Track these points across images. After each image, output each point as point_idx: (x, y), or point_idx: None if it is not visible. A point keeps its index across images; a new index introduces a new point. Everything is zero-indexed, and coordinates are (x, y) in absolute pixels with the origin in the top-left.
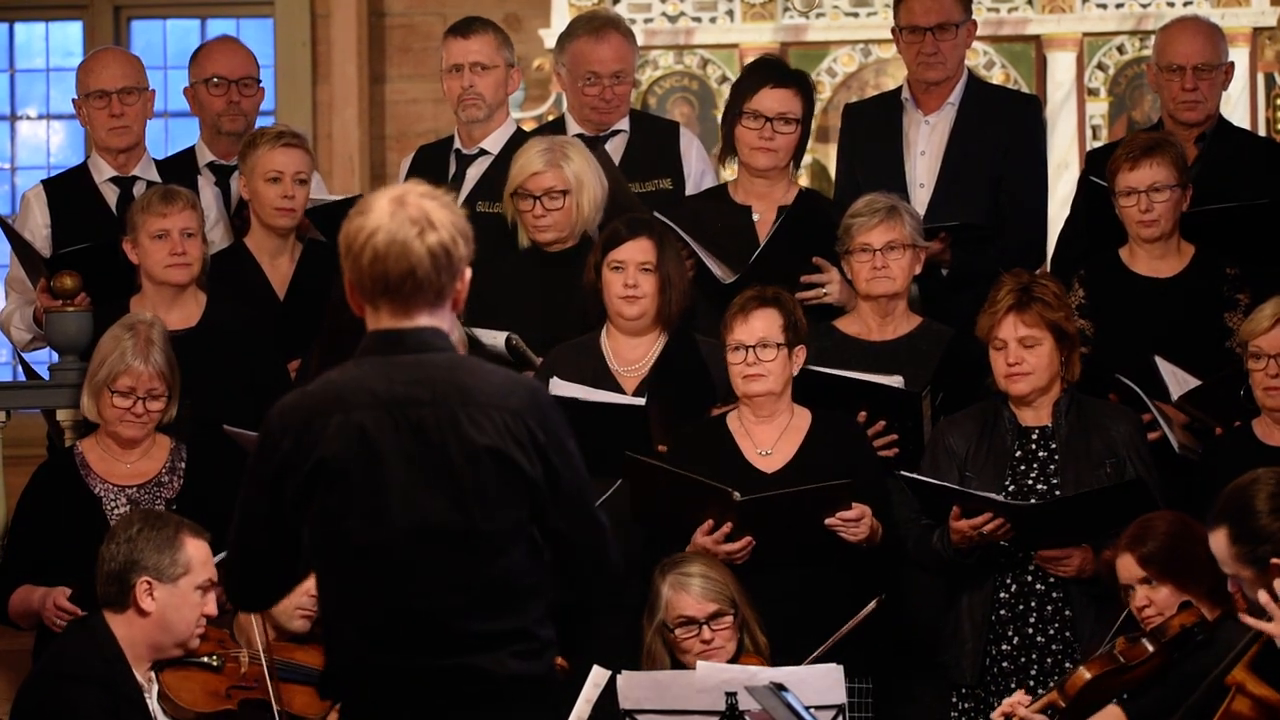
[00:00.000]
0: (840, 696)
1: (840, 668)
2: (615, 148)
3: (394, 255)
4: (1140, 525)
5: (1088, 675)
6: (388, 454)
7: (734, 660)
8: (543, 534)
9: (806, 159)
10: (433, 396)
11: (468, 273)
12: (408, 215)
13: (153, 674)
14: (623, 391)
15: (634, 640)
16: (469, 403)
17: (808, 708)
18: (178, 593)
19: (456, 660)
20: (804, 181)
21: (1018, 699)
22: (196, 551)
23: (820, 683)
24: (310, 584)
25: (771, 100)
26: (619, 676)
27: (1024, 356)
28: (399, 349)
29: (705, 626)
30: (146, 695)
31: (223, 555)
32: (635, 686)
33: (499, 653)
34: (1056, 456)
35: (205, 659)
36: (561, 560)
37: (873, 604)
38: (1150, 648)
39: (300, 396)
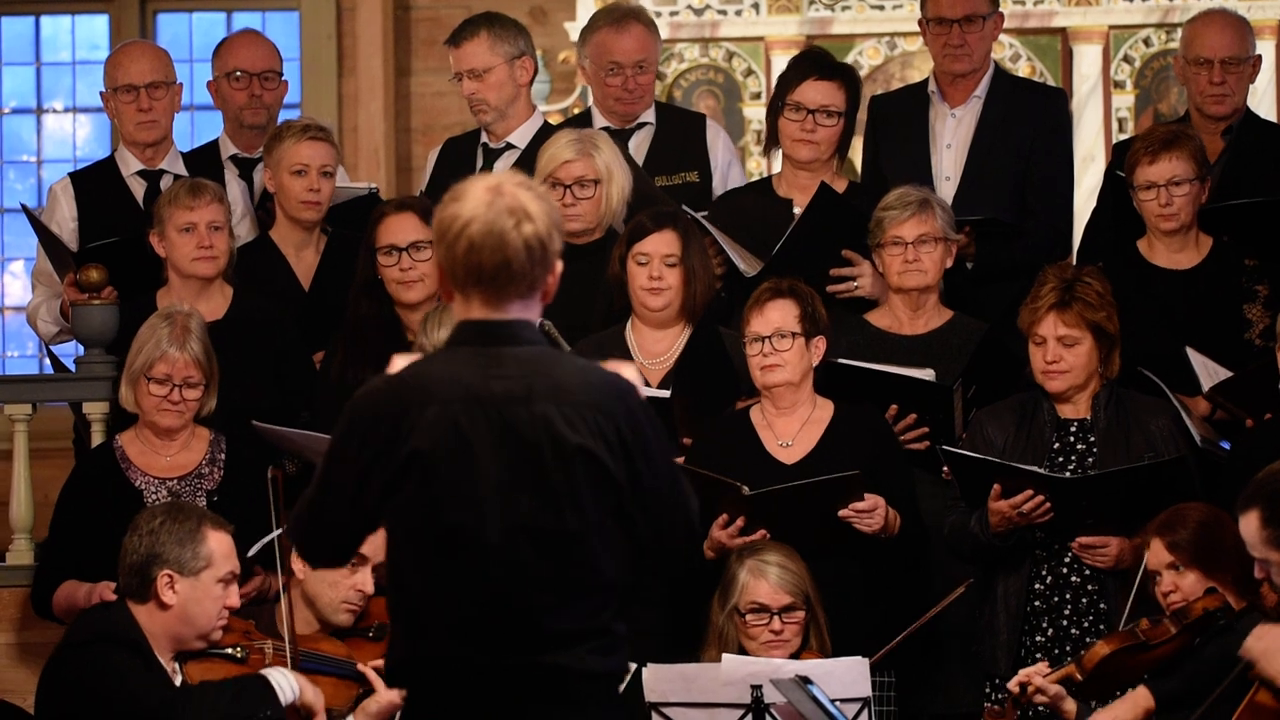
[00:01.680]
0: (866, 690)
1: (866, 660)
2: (642, 140)
3: (490, 246)
4: (1172, 513)
5: (1106, 650)
6: (480, 450)
7: (795, 657)
8: (625, 528)
9: None
10: (527, 393)
11: (559, 265)
12: (505, 205)
13: (176, 665)
14: (647, 384)
15: (658, 633)
16: (562, 401)
17: (833, 700)
18: (199, 586)
19: (536, 657)
20: None
21: (1036, 669)
22: (218, 545)
23: (846, 676)
24: (357, 578)
25: (814, 92)
26: (645, 669)
27: (1062, 355)
28: (492, 341)
29: (777, 617)
30: None
31: (296, 510)
32: (661, 679)
33: (578, 649)
34: (1095, 449)
35: (229, 650)
36: (641, 549)
37: (962, 587)
38: (1172, 629)
39: (394, 384)
